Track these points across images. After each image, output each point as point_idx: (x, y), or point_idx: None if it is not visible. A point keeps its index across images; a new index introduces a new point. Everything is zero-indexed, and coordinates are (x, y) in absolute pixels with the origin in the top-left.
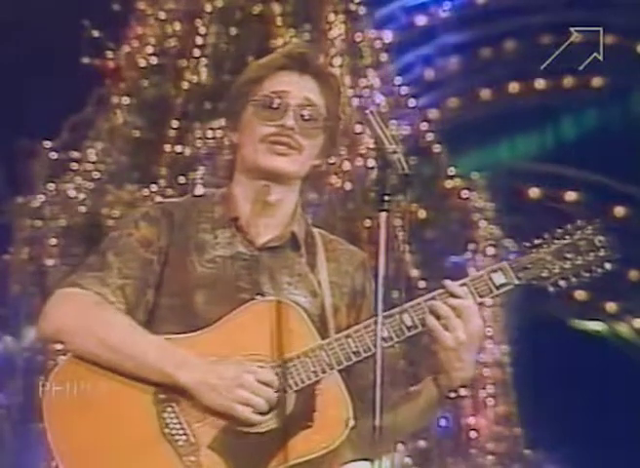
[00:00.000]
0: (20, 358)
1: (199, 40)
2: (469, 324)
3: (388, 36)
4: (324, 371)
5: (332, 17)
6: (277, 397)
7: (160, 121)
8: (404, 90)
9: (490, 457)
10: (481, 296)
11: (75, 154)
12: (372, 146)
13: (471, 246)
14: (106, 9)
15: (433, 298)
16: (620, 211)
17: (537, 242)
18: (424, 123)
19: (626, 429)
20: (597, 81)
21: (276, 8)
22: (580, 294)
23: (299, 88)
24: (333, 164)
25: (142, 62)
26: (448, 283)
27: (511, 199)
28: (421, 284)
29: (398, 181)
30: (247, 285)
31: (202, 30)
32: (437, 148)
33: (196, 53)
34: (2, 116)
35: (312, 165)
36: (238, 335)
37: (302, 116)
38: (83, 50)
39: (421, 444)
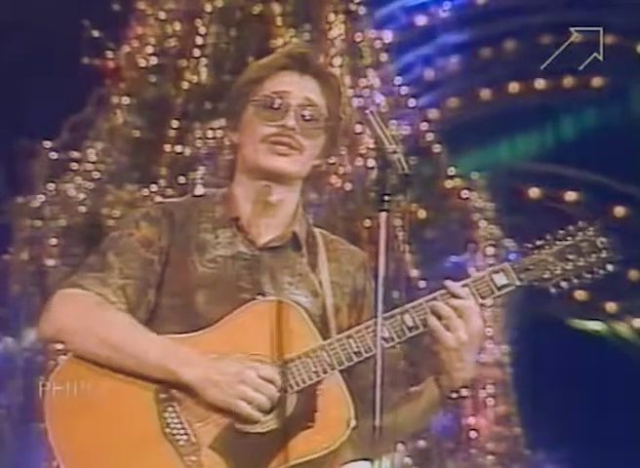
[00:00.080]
0: (20, 358)
1: (199, 40)
2: (470, 324)
3: (388, 36)
4: (325, 372)
5: (332, 17)
6: (278, 396)
7: (160, 121)
8: (404, 90)
9: (490, 457)
10: (482, 297)
11: (75, 154)
12: (372, 146)
13: (471, 246)
14: (106, 9)
15: (435, 299)
16: (619, 211)
17: (538, 243)
18: (424, 123)
19: (626, 429)
20: (597, 81)
21: (276, 8)
22: (580, 294)
23: (299, 88)
24: (333, 164)
25: (142, 62)
26: (449, 283)
27: (511, 199)
28: (422, 284)
29: (398, 181)
30: (248, 285)
31: (202, 30)
32: (437, 148)
33: (196, 53)
34: (2, 116)
35: (313, 165)
36: (239, 335)
37: (303, 116)
38: (83, 50)
39: (421, 444)
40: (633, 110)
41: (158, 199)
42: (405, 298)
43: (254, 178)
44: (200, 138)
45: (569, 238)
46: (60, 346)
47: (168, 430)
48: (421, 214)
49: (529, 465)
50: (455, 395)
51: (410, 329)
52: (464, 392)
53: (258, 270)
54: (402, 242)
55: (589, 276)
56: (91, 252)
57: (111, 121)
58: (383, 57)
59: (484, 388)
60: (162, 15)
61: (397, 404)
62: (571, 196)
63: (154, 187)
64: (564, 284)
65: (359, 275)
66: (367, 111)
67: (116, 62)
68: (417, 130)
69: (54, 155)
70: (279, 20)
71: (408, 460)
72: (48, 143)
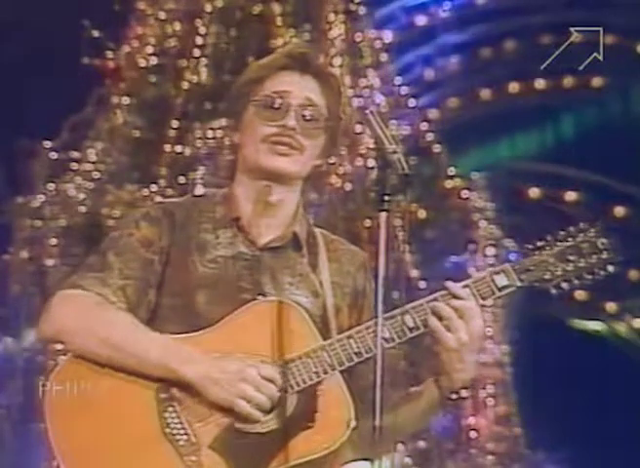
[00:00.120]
0: (20, 358)
1: (199, 40)
2: (471, 325)
3: (388, 36)
4: (325, 372)
5: (332, 17)
6: (279, 396)
7: (160, 121)
8: (404, 90)
9: (490, 457)
10: (483, 298)
11: (75, 154)
12: (372, 146)
13: (471, 246)
14: (106, 9)
15: (435, 300)
16: (619, 211)
17: (539, 244)
18: (424, 123)
19: (626, 429)
20: (597, 81)
21: (276, 8)
22: (580, 294)
23: (300, 88)
24: (333, 164)
25: (142, 62)
26: (450, 284)
27: (511, 199)
28: (422, 284)
29: (398, 181)
30: (248, 285)
31: (202, 30)
32: (437, 148)
33: (196, 53)
34: (2, 116)
35: (314, 165)
36: (240, 335)
37: (304, 116)
38: (83, 50)
39: (421, 444)
40: (633, 110)
41: (158, 199)
42: (405, 299)
43: (254, 178)
44: (200, 138)
45: (570, 239)
46: (60, 346)
47: (168, 430)
48: (421, 214)
49: (529, 465)
50: (454, 396)
51: (410, 329)
52: (464, 393)
53: (258, 270)
54: (402, 242)
55: (590, 277)
56: (91, 252)
57: (111, 121)
58: (383, 57)
59: (484, 388)
60: (162, 15)
61: (397, 404)
62: (571, 196)
63: (154, 187)
64: (565, 285)
65: (360, 275)
66: (367, 111)
67: (116, 62)
68: (417, 130)
69: (54, 155)
70: (279, 20)
71: (408, 460)
72: (48, 143)
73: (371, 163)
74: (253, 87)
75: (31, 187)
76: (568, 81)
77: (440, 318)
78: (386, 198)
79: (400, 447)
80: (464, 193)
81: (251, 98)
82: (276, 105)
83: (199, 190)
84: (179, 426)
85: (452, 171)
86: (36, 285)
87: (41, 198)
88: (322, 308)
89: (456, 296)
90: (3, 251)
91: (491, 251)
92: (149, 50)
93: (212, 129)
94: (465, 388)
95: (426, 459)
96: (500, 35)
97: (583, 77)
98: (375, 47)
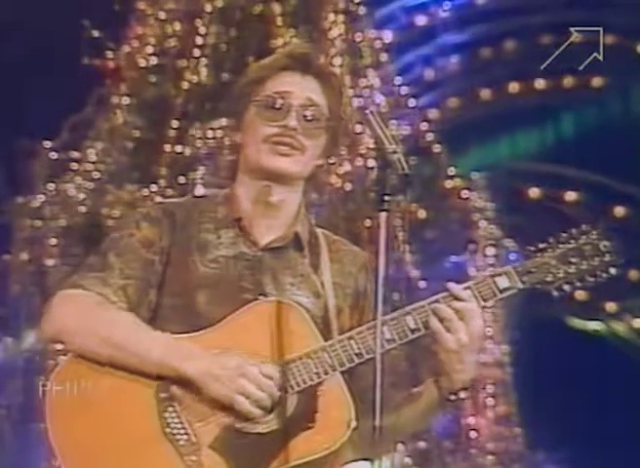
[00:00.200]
0: (20, 358)
1: (199, 40)
2: (471, 326)
3: (388, 36)
4: (326, 373)
5: (332, 17)
6: (279, 396)
7: (160, 121)
8: (404, 90)
9: (490, 457)
10: (485, 300)
11: (75, 154)
12: (372, 146)
13: (471, 246)
14: (106, 9)
15: (437, 301)
16: (619, 211)
17: (541, 246)
18: (424, 123)
19: (626, 429)
20: (597, 81)
21: (276, 8)
22: (580, 294)
23: (301, 88)
24: (333, 164)
25: (142, 62)
26: (451, 286)
27: (511, 199)
28: (422, 284)
29: (398, 181)
30: (250, 285)
31: (202, 30)
32: (437, 148)
33: (196, 53)
34: (2, 116)
35: (315, 165)
36: (240, 336)
37: (305, 116)
38: (83, 50)
39: (421, 444)
40: (633, 110)
41: (158, 199)
42: (405, 299)
43: (256, 179)
44: (200, 138)
45: (572, 241)
46: (60, 346)
47: (168, 430)
48: (421, 214)
49: (529, 465)
50: (454, 397)
51: (412, 331)
52: (464, 394)
53: (259, 271)
54: (402, 242)
55: (592, 279)
56: (91, 252)
57: (111, 121)
58: (383, 57)
59: (484, 388)
60: (162, 15)
61: (399, 405)
62: (571, 196)
63: (154, 187)
64: (566, 287)
65: (361, 276)
66: (367, 111)
67: (116, 62)
68: (417, 130)
69: (54, 155)
70: (279, 20)
71: (408, 460)
72: (48, 143)
73: (371, 163)
74: (254, 87)
75: (31, 187)
76: (568, 81)
77: (441, 319)
78: (386, 198)
79: (400, 447)
80: (464, 193)
81: (252, 99)
82: (277, 106)
83: (199, 190)
84: (179, 426)
85: (452, 171)
86: (36, 285)
87: (41, 198)
88: (323, 309)
89: (457, 298)
90: (3, 251)
91: (491, 251)
92: (149, 50)
93: (212, 129)
94: (465, 389)
95: (426, 459)
96: (500, 35)
97: (583, 77)
98: (375, 47)
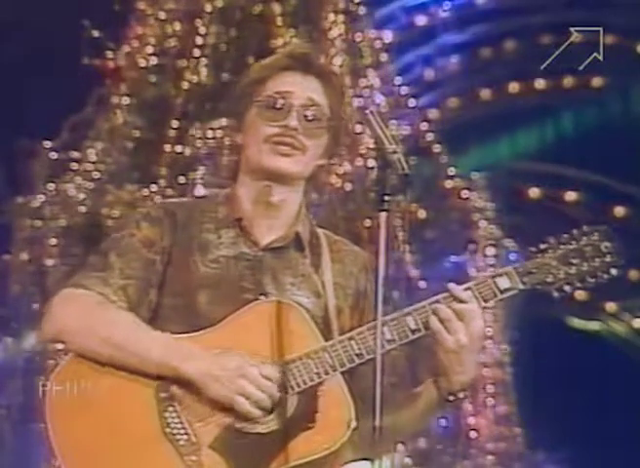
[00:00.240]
0: (20, 358)
1: (199, 40)
2: (471, 327)
3: (388, 36)
4: (326, 373)
5: (332, 17)
6: (279, 396)
7: (160, 121)
8: (404, 90)
9: (490, 457)
10: (485, 301)
11: (75, 154)
12: (372, 146)
13: (471, 246)
14: (106, 9)
15: (437, 301)
16: (619, 211)
17: (542, 247)
18: (424, 123)
19: (626, 429)
20: (597, 81)
21: (276, 8)
22: (579, 294)
23: (302, 88)
24: (333, 164)
25: (142, 62)
26: (452, 287)
27: (511, 199)
28: (422, 284)
29: (398, 181)
30: (250, 285)
31: (202, 30)
32: (437, 148)
33: (196, 53)
34: (2, 116)
35: (316, 165)
36: (241, 336)
37: (306, 116)
38: (83, 50)
39: (421, 444)
40: (633, 110)
41: (158, 199)
42: (405, 298)
43: (257, 179)
44: (200, 138)
45: (573, 242)
46: (61, 346)
47: (168, 430)
48: (421, 214)
49: (529, 465)
50: (453, 398)
51: (412, 331)
52: (463, 395)
53: (260, 271)
54: (402, 242)
55: (593, 280)
56: (92, 252)
57: (111, 121)
58: (383, 57)
59: (484, 388)
60: (162, 15)
61: (401, 405)
62: (571, 196)
63: (154, 187)
64: (567, 288)
65: (362, 276)
66: (367, 111)
67: (116, 62)
68: (417, 130)
69: (54, 155)
70: (279, 20)
71: (408, 460)
72: (48, 143)
73: (371, 163)
74: (255, 87)
75: (31, 187)
76: (568, 81)
77: (441, 320)
78: (386, 198)
79: (400, 447)
80: (464, 193)
81: (253, 99)
82: (278, 106)
83: (199, 190)
84: (179, 426)
85: (452, 171)
86: (36, 285)
87: (41, 198)
88: (324, 309)
89: (457, 299)
90: (3, 251)
91: (491, 251)
92: (149, 50)
93: (212, 129)
94: (464, 390)
95: (426, 459)
96: (500, 35)
97: (583, 77)
98: (375, 47)
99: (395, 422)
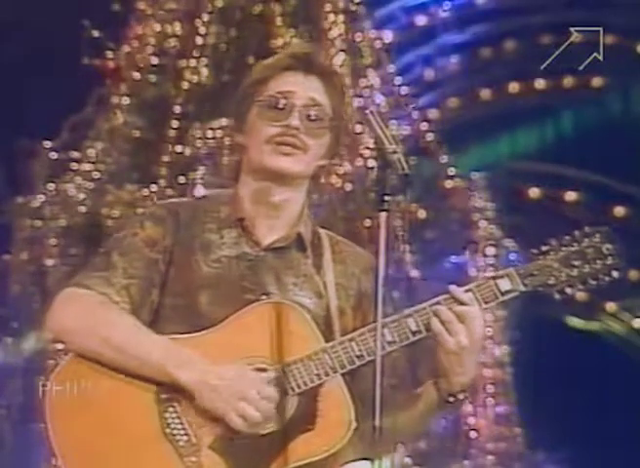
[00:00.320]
0: (20, 358)
1: (199, 40)
2: (472, 329)
3: (388, 36)
4: (327, 374)
5: (332, 17)
6: (275, 408)
7: (160, 121)
8: (404, 90)
9: (490, 457)
10: (486, 302)
11: (75, 154)
12: (372, 146)
13: (471, 246)
14: (106, 9)
15: (438, 303)
16: (619, 211)
17: (543, 248)
18: (424, 123)
19: (626, 429)
20: (597, 81)
21: (276, 8)
22: (579, 295)
23: (304, 88)
24: (335, 164)
25: (142, 62)
26: (453, 288)
27: (511, 199)
28: (422, 284)
29: (398, 181)
30: (252, 285)
31: (202, 30)
32: (437, 148)
33: (196, 53)
34: (2, 116)
35: (319, 165)
36: (242, 336)
37: (308, 116)
38: (83, 50)
39: (421, 444)
40: (633, 110)
41: (158, 199)
42: (405, 299)
43: (259, 179)
44: (200, 138)
45: (574, 244)
46: (61, 346)
47: (168, 430)
48: (421, 214)
49: (529, 465)
50: (453, 399)
51: (413, 333)
52: (463, 396)
53: (262, 271)
54: (402, 242)
55: (594, 282)
56: (92, 251)
57: (111, 121)
58: (383, 57)
59: (484, 388)
60: (162, 15)
61: (402, 407)
62: (571, 196)
63: (154, 187)
64: (569, 290)
65: (364, 277)
66: (367, 111)
67: (116, 62)
68: (417, 130)
69: (54, 155)
70: (279, 20)
71: (408, 460)
72: (48, 143)
73: (371, 163)
74: (257, 88)
75: (31, 187)
76: (568, 81)
77: (442, 321)
78: (386, 198)
79: (400, 447)
80: (464, 193)
81: (255, 99)
82: (280, 106)
83: (199, 190)
84: (179, 426)
85: (452, 171)
86: (36, 285)
87: (41, 198)
88: (325, 310)
89: (458, 300)
90: (3, 251)
91: (491, 251)
92: (149, 50)
93: (212, 129)
94: (464, 392)
95: (426, 459)
96: (500, 35)
97: (583, 77)
98: (375, 47)
99: (395, 424)
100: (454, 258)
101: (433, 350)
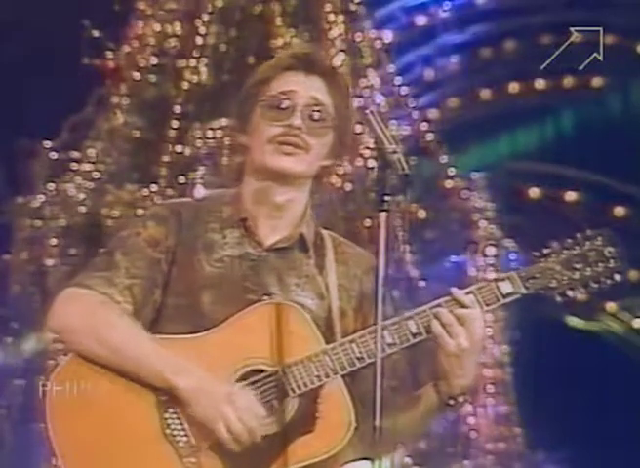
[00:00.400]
0: (20, 358)
1: (199, 40)
2: (472, 331)
3: (388, 36)
4: (327, 376)
5: (332, 17)
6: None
7: (160, 121)
8: (404, 90)
9: (490, 457)
10: (487, 305)
11: (75, 154)
12: (372, 146)
13: (471, 246)
14: (106, 9)
15: (439, 305)
16: (619, 211)
17: (545, 251)
18: (424, 123)
19: (626, 429)
20: (597, 81)
21: (276, 8)
22: (579, 295)
23: (306, 88)
24: (338, 165)
25: (142, 62)
26: (454, 291)
27: (511, 199)
28: (422, 284)
29: (398, 181)
30: (254, 285)
31: (202, 30)
32: (437, 148)
33: (196, 53)
34: (2, 116)
35: (322, 165)
36: (243, 337)
37: (310, 116)
38: (83, 50)
39: (421, 444)
40: (633, 110)
41: (158, 199)
42: (405, 299)
43: (262, 179)
44: (200, 138)
45: (576, 246)
46: (61, 346)
47: (168, 431)
48: (421, 214)
49: (529, 465)
50: (453, 401)
51: (414, 335)
52: (463, 399)
53: (264, 271)
54: (402, 242)
55: (596, 285)
56: (94, 251)
57: (111, 121)
58: (383, 57)
59: (484, 388)
60: (162, 15)
61: (402, 408)
62: (571, 196)
63: (154, 187)
64: (570, 292)
65: (366, 279)
66: (367, 111)
67: (116, 62)
68: (417, 130)
69: (54, 155)
70: (279, 20)
71: (408, 460)
72: (48, 143)
73: (371, 163)
74: (260, 88)
75: (31, 187)
76: (568, 81)
77: (442, 324)
78: (386, 198)
79: (400, 447)
80: (464, 193)
81: (258, 100)
82: (282, 106)
83: (199, 190)
84: (179, 427)
85: (452, 171)
86: (36, 285)
87: (41, 198)
88: (327, 311)
89: (459, 303)
90: (3, 251)
91: (491, 251)
92: (149, 50)
93: (212, 129)
94: (464, 394)
95: (426, 459)
96: (500, 35)
97: (583, 77)
98: (375, 47)
99: (395, 425)
100: (454, 258)
101: (433, 352)
